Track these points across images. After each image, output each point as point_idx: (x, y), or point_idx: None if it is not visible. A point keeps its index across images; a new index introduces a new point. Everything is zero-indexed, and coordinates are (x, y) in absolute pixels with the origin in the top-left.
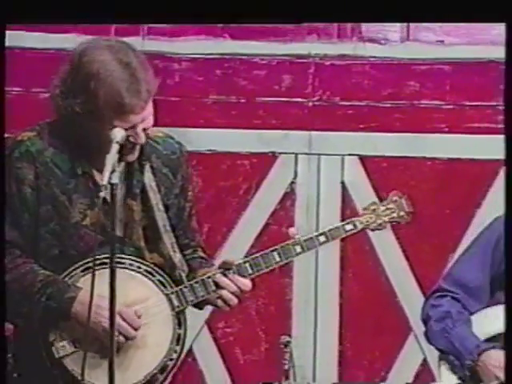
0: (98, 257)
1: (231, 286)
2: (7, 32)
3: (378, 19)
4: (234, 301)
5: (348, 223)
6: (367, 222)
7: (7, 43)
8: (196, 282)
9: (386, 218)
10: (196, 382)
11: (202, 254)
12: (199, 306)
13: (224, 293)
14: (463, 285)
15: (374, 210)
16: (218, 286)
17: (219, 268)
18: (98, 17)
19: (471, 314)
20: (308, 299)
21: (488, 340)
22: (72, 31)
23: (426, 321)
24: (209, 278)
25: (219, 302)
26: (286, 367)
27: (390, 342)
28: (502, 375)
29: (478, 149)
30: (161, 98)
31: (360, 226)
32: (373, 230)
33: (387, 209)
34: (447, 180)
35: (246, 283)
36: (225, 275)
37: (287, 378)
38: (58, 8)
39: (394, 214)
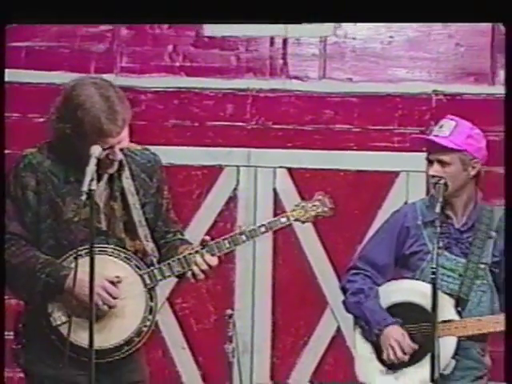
0: (85, 246)
1: (203, 265)
2: (7, 70)
3: (392, 19)
4: (201, 276)
5: (283, 217)
6: (298, 215)
7: (8, 79)
8: (173, 261)
9: (313, 213)
10: (159, 346)
11: (181, 236)
12: (179, 276)
13: (195, 269)
14: (374, 264)
15: (303, 206)
16: (193, 263)
17: (200, 244)
18: (95, 18)
19: (379, 286)
20: (247, 280)
21: (390, 307)
22: (59, 69)
23: (344, 291)
24: (189, 255)
25: (190, 275)
26: (230, 334)
27: (311, 313)
28: (397, 347)
29: (379, 163)
30: (131, 123)
31: (292, 219)
32: (303, 222)
33: (313, 205)
34: (356, 187)
35: (213, 260)
36: (201, 255)
37: (231, 342)
38: (57, 9)
39: (319, 210)
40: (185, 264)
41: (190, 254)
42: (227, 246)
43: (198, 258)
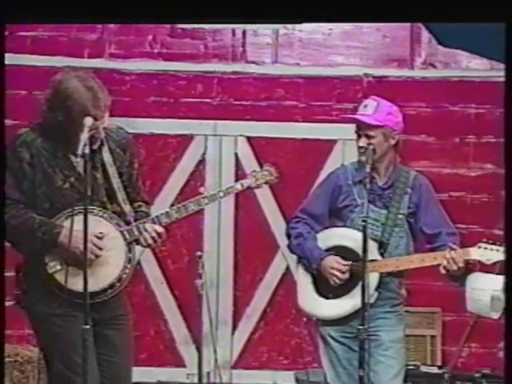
0: (75, 208)
1: (151, 233)
2: (15, 55)
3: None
4: (149, 241)
5: (237, 184)
6: (250, 183)
7: (16, 62)
8: (133, 227)
9: (262, 180)
10: (142, 282)
11: (144, 209)
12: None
13: (146, 236)
14: (311, 214)
15: (254, 175)
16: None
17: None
18: (93, 17)
19: (317, 232)
20: (214, 228)
21: (327, 249)
22: (58, 54)
23: (288, 237)
24: (141, 223)
25: (142, 242)
26: (200, 271)
27: (266, 255)
28: (335, 272)
29: (321, 132)
30: (118, 99)
31: (245, 186)
32: (254, 188)
33: (262, 174)
34: (302, 153)
35: (161, 230)
36: (151, 224)
37: (200, 278)
38: (56, 9)
39: (267, 178)
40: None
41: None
42: (192, 207)
43: (148, 226)
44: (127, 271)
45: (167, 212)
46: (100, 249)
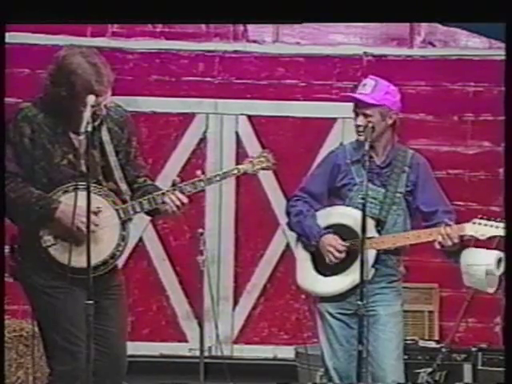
0: (75, 184)
1: (175, 201)
2: (20, 34)
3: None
4: (175, 209)
5: (234, 169)
6: (247, 168)
7: (21, 41)
8: (144, 200)
9: (258, 167)
10: (144, 258)
11: (151, 182)
12: (150, 214)
13: (171, 204)
14: (311, 193)
15: (251, 161)
16: (168, 199)
17: (172, 185)
18: (92, 18)
19: (316, 210)
20: (215, 205)
21: (327, 227)
22: (62, 33)
23: (288, 214)
24: (157, 196)
25: (169, 210)
26: (201, 248)
27: (266, 232)
28: (332, 250)
29: (321, 111)
30: (120, 78)
31: (242, 171)
32: (251, 173)
33: (259, 161)
34: (302, 131)
35: (184, 198)
36: (173, 194)
37: (202, 254)
38: (56, 9)
39: (263, 164)
40: (152, 203)
41: (158, 195)
42: (188, 189)
43: (172, 196)
44: (120, 249)
45: (163, 193)
46: (95, 225)
